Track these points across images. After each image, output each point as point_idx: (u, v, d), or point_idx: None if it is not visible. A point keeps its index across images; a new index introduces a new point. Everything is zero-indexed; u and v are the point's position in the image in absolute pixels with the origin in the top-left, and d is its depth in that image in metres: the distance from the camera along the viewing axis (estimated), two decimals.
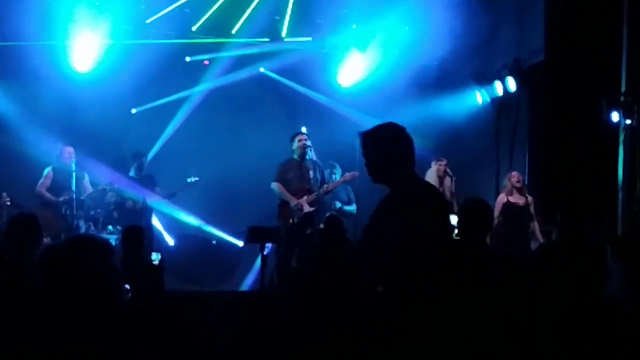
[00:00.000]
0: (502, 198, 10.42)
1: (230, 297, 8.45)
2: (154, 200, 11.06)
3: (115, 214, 10.85)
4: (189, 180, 11.32)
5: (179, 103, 12.77)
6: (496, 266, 4.90)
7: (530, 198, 10.35)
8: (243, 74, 12.88)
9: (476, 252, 5.10)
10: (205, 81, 12.79)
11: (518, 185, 10.33)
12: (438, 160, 10.89)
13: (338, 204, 11.07)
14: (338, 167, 11.36)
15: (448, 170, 10.83)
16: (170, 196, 11.23)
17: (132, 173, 11.29)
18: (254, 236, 9.86)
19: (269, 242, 9.91)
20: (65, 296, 2.42)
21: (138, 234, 7.43)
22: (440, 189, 10.73)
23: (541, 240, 10.10)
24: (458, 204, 11.16)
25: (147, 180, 11.23)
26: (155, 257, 7.64)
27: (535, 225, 10.36)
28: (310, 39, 12.76)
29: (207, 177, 11.66)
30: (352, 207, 11.27)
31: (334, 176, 11.13)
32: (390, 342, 2.69)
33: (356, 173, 10.88)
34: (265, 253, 9.16)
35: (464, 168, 11.58)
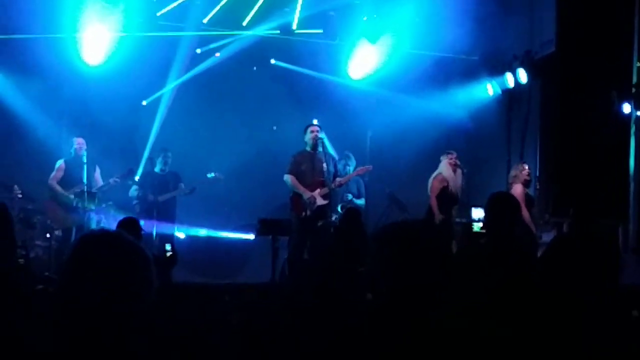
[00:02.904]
0: (522, 190, 10.12)
1: (242, 289, 8.44)
2: (172, 196, 11.10)
3: (137, 207, 10.84)
4: (208, 175, 11.32)
5: (188, 95, 12.71)
6: (525, 259, 4.83)
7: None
8: (254, 66, 12.88)
9: (504, 246, 4.98)
10: (214, 72, 12.76)
11: (529, 178, 10.25)
12: (448, 153, 10.80)
13: (349, 196, 11.09)
14: (353, 158, 11.36)
15: (458, 162, 10.78)
16: (190, 191, 11.21)
17: (157, 168, 11.21)
18: (265, 229, 9.88)
19: (280, 234, 9.93)
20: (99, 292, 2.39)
21: (135, 225, 7.36)
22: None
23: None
24: (467, 196, 11.20)
25: (171, 177, 11.21)
26: (167, 247, 7.56)
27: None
28: (321, 31, 12.73)
29: (218, 169, 11.66)
30: (361, 201, 11.26)
31: (348, 167, 11.13)
32: (401, 337, 2.68)
33: (370, 167, 10.87)
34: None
35: (475, 160, 11.57)
